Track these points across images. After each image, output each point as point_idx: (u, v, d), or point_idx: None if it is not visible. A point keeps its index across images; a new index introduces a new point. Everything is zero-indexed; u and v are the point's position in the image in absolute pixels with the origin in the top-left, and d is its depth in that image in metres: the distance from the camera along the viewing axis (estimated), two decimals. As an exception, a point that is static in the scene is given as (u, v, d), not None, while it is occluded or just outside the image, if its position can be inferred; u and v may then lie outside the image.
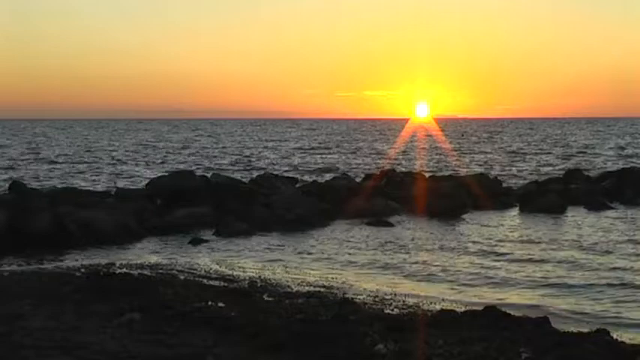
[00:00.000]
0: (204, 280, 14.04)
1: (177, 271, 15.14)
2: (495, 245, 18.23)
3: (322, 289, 13.33)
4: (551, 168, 43.74)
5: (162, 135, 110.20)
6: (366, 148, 71.99)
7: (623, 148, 64.49)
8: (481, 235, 19.88)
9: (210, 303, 11.57)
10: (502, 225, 21.72)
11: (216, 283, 13.84)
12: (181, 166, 44.09)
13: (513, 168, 44.13)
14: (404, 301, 12.46)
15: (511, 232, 20.43)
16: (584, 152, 59.14)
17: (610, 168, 39.09)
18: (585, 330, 10.15)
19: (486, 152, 60.80)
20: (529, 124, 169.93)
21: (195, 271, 15.09)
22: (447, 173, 35.59)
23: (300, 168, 45.78)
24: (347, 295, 12.69)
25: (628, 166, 37.07)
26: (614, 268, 15.21)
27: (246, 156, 58.12)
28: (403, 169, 37.08)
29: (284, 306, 11.53)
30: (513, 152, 60.45)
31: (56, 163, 51.61)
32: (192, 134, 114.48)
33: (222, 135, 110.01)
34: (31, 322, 10.07)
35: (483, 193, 26.01)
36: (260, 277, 14.53)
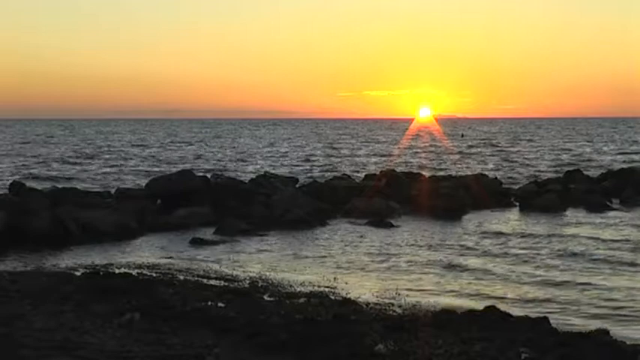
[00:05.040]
0: (204, 280, 14.03)
1: (177, 271, 15.13)
2: (495, 245, 18.22)
3: (322, 289, 13.33)
4: None
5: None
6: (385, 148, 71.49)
7: None
8: (481, 235, 19.87)
9: (210, 303, 11.57)
10: (502, 225, 21.70)
11: (216, 283, 13.83)
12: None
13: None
14: (404, 301, 12.45)
15: (511, 232, 20.41)
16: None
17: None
18: (585, 330, 10.15)
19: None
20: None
21: (195, 271, 15.08)
22: (447, 173, 35.61)
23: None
24: (347, 296, 12.69)
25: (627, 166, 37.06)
26: (614, 268, 15.21)
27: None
28: (403, 169, 37.06)
29: (284, 306, 11.52)
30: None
31: None
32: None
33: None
34: (32, 322, 10.06)
35: (483, 193, 26.03)
36: (260, 277, 14.52)
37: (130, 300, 11.35)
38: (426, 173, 33.22)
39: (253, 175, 30.65)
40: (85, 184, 34.32)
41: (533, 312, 11.51)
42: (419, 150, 67.12)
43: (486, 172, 35.16)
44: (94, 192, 26.28)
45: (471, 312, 10.86)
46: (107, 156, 58.86)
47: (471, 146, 72.16)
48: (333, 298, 12.45)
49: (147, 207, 22.18)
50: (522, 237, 19.43)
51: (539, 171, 42.21)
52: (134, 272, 14.64)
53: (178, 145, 79.56)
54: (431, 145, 74.07)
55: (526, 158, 53.42)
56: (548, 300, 12.73)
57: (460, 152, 62.17)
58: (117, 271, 14.76)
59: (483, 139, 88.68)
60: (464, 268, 15.44)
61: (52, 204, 20.17)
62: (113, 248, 18.14)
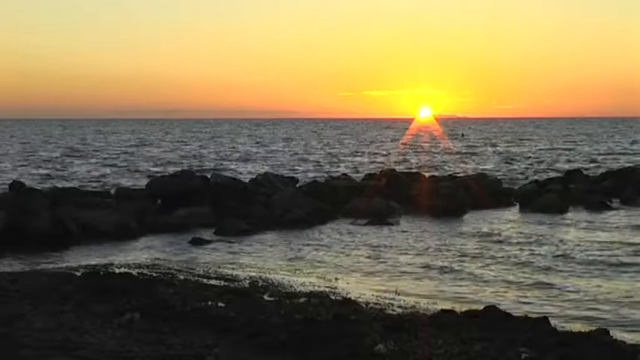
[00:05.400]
0: (204, 280, 14.03)
1: (177, 271, 15.12)
2: (495, 245, 18.21)
3: (322, 289, 13.32)
4: None
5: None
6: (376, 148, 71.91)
7: None
8: (481, 235, 19.86)
9: (210, 303, 11.56)
10: (502, 225, 21.70)
11: (216, 282, 13.82)
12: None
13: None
14: (404, 301, 12.45)
15: (511, 232, 20.40)
16: None
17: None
18: (585, 330, 10.15)
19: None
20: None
21: (195, 271, 15.07)
22: (447, 173, 35.60)
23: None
24: (347, 296, 12.68)
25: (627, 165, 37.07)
26: (614, 268, 15.20)
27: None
28: (403, 169, 37.05)
29: (284, 306, 11.51)
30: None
31: None
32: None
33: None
34: (31, 322, 10.06)
35: (483, 193, 26.03)
36: (260, 277, 14.51)
37: (130, 300, 11.34)
38: (426, 173, 33.21)
39: (253, 175, 30.67)
40: (85, 184, 34.32)
41: (533, 312, 11.50)
42: (419, 150, 67.14)
43: (486, 172, 35.15)
44: (94, 192, 26.30)
45: (471, 312, 10.86)
46: (106, 155, 58.89)
47: (471, 146, 72.14)
48: (333, 298, 12.43)
49: (147, 207, 22.18)
50: (522, 237, 19.41)
51: (539, 170, 42.21)
52: (134, 272, 14.64)
53: (178, 144, 79.59)
54: (431, 145, 74.07)
55: (526, 158, 53.42)
56: (548, 300, 12.72)
57: (460, 152, 62.18)
58: (117, 271, 14.75)
59: (483, 139, 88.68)
60: (464, 268, 15.43)
61: (52, 204, 20.16)
62: (113, 248, 18.14)
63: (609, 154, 58.17)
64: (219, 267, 15.71)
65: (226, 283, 13.72)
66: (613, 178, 29.78)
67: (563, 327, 10.50)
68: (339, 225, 21.93)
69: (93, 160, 53.49)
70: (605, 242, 18.34)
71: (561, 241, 18.68)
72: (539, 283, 14.04)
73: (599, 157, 53.86)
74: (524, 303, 12.51)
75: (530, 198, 25.84)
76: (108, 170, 44.73)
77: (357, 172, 40.19)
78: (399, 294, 13.08)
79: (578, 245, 17.97)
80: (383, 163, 48.78)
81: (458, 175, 32.61)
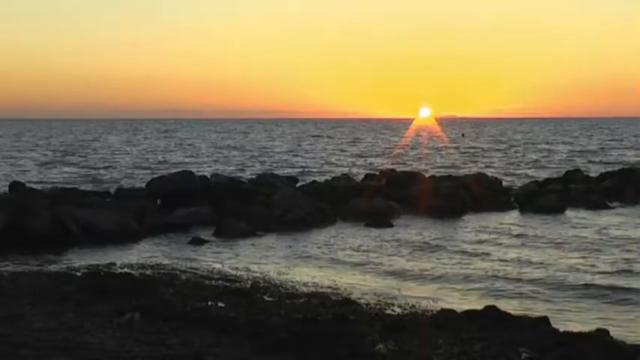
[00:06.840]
0: (205, 280, 14.03)
1: (178, 271, 15.12)
2: (495, 245, 18.21)
3: (322, 290, 13.32)
4: None
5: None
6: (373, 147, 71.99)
7: None
8: (481, 235, 19.85)
9: (210, 303, 11.58)
10: (502, 225, 21.68)
11: (217, 283, 13.83)
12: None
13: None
14: (404, 301, 12.45)
15: (511, 232, 20.39)
16: None
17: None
18: (585, 330, 10.15)
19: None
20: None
21: (195, 271, 15.08)
22: (447, 173, 35.58)
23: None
24: (348, 296, 12.69)
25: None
26: (613, 269, 15.20)
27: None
28: (403, 169, 37.03)
29: (284, 306, 11.53)
30: None
31: None
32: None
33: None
34: (32, 322, 10.07)
35: (483, 193, 26.01)
36: (260, 277, 14.52)
37: (130, 300, 11.35)
38: (426, 173, 33.19)
39: (253, 176, 30.66)
40: (84, 184, 34.31)
41: (533, 312, 11.51)
42: (419, 150, 67.17)
43: (486, 172, 35.13)
44: (94, 192, 26.30)
45: (471, 312, 10.86)
46: (106, 156, 58.89)
47: (471, 146, 72.13)
48: (333, 298, 12.44)
49: (147, 207, 22.17)
50: (522, 237, 19.41)
51: (539, 169, 42.18)
52: (134, 272, 14.64)
53: (178, 145, 79.61)
54: (431, 146, 74.08)
55: (526, 158, 53.41)
56: (548, 300, 12.73)
57: (460, 152, 62.19)
58: (117, 271, 14.76)
59: (484, 139, 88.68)
60: (463, 268, 15.44)
61: (52, 204, 20.15)
62: (113, 248, 18.13)
63: (610, 153, 58.07)
64: (219, 267, 15.70)
65: (226, 284, 13.73)
66: (613, 178, 29.77)
67: (563, 327, 10.50)
68: (339, 225, 21.93)
69: (96, 160, 53.45)
70: (605, 242, 18.32)
71: (561, 241, 18.67)
72: (539, 283, 14.04)
73: (598, 157, 53.72)
74: (524, 303, 12.51)
75: (531, 198, 25.82)
76: (107, 169, 44.69)
77: (357, 172, 40.12)
78: (399, 294, 13.07)
79: (577, 246, 17.96)
80: (383, 163, 48.77)
81: (458, 175, 32.56)
